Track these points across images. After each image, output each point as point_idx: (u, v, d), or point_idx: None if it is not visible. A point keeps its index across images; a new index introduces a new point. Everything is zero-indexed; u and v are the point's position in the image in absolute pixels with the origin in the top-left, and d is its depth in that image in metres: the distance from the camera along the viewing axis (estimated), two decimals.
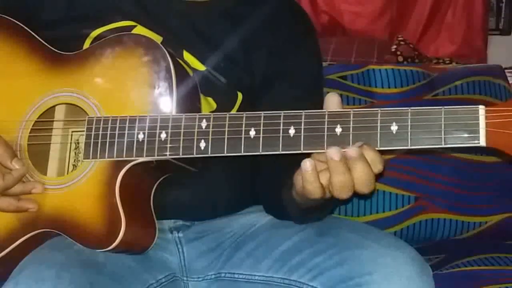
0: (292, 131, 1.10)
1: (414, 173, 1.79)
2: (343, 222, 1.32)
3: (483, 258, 1.63)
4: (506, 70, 1.98)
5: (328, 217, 1.30)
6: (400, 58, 2.74)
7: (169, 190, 1.30)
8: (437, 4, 3.20)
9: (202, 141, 1.15)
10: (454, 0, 3.20)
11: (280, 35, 1.40)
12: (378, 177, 1.09)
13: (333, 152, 1.06)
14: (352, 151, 1.05)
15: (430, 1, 3.19)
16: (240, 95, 1.37)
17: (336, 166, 1.06)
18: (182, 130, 1.16)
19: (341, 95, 1.78)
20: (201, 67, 1.35)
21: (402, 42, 2.84)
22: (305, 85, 1.41)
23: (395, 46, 2.80)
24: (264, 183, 1.37)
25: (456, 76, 1.89)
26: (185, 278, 1.35)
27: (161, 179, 1.27)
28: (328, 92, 1.74)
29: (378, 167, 1.07)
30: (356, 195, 1.10)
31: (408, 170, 1.78)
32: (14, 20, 1.34)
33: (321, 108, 1.11)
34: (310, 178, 1.08)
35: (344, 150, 1.06)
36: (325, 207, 1.22)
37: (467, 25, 3.23)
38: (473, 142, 1.02)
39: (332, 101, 1.10)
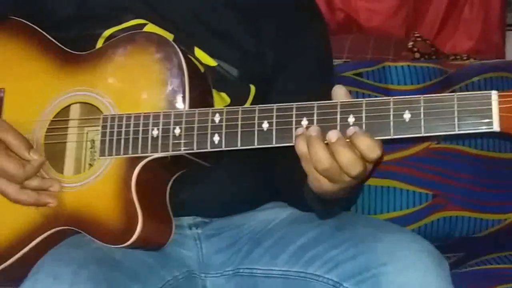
0: (305, 123, 1.10)
1: (431, 170, 1.77)
2: (359, 218, 1.32)
3: (502, 256, 1.62)
4: None
5: (344, 213, 1.30)
6: (417, 55, 2.72)
7: (185, 187, 1.31)
8: (453, 0, 3.19)
9: (216, 135, 1.15)
10: None
11: (286, 20, 1.40)
12: (379, 163, 1.08)
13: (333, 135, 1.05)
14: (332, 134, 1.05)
15: None
16: (253, 88, 1.37)
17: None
18: (195, 125, 1.17)
19: (356, 93, 1.79)
20: (212, 63, 1.35)
21: (418, 39, 2.83)
22: (312, 66, 1.41)
23: (411, 43, 2.79)
24: (283, 176, 1.36)
25: (473, 72, 1.87)
26: (202, 275, 1.35)
27: (176, 175, 1.28)
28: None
29: (376, 153, 1.05)
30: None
31: (425, 168, 1.77)
32: (26, 22, 1.36)
33: (331, 90, 1.10)
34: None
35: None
36: (349, 193, 1.19)
37: (484, 21, 3.20)
38: (486, 127, 1.01)
39: (340, 94, 1.10)
